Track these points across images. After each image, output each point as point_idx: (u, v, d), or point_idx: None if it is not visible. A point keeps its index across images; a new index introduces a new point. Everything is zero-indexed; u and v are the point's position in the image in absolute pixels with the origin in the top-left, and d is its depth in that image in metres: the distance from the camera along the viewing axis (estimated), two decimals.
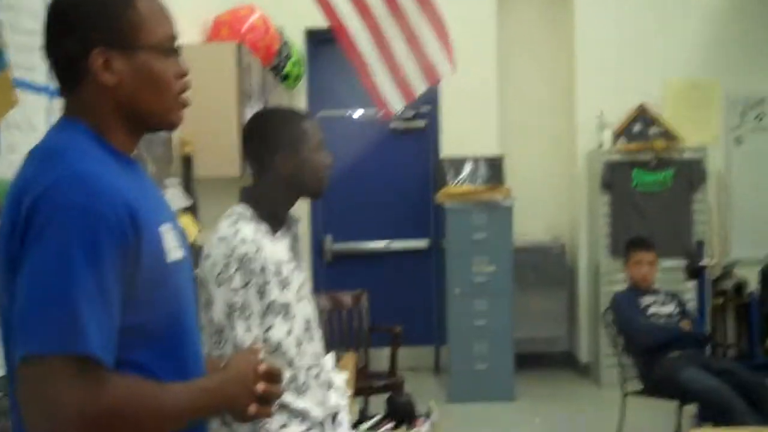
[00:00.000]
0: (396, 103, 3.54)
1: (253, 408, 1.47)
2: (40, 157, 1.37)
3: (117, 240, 1.30)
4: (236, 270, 2.13)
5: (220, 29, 4.63)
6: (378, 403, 4.96)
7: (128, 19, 1.41)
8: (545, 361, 6.76)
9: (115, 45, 1.40)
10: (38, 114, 2.31)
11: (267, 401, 1.51)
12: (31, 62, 2.28)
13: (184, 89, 1.50)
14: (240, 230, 2.19)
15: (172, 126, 1.52)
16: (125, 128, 1.45)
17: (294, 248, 2.36)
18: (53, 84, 2.37)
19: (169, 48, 1.46)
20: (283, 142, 2.30)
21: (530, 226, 6.71)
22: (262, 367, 1.50)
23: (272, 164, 2.30)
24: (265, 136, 2.33)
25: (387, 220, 6.70)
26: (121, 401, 1.28)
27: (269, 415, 1.56)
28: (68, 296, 1.24)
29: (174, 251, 1.44)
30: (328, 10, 3.38)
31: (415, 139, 6.75)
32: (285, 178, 2.29)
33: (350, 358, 4.14)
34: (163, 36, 1.45)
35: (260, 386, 1.48)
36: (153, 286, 1.38)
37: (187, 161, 3.88)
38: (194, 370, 1.49)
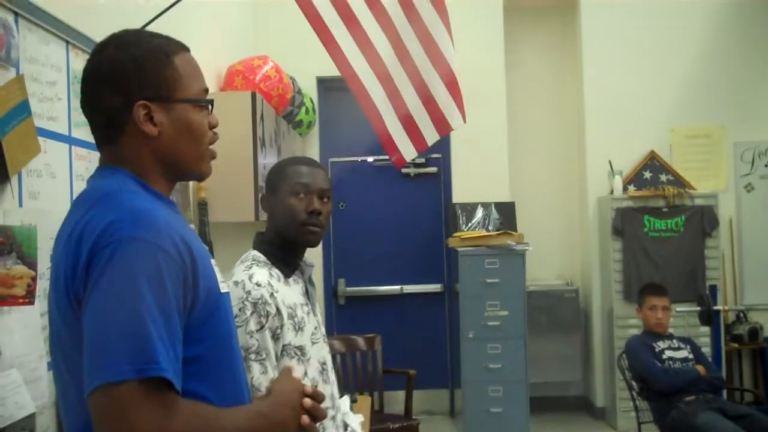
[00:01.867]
0: (408, 152, 3.57)
1: (305, 418, 1.57)
2: (94, 200, 1.43)
3: (178, 271, 1.36)
4: (251, 314, 2.16)
5: (234, 78, 4.72)
6: None
7: (167, 75, 1.50)
8: (560, 405, 6.73)
9: (155, 98, 1.49)
10: (60, 162, 2.37)
11: (313, 419, 1.60)
12: (53, 112, 2.35)
13: (214, 140, 1.60)
14: (254, 274, 2.23)
15: (202, 175, 1.60)
16: (163, 176, 1.53)
17: (308, 292, 2.40)
18: (74, 133, 2.44)
19: (202, 101, 1.56)
20: (267, 185, 2.38)
21: (542, 271, 6.75)
22: (307, 388, 1.61)
23: (263, 207, 2.38)
24: (265, 181, 2.42)
25: (400, 265, 6.73)
26: (191, 425, 1.32)
27: (316, 430, 1.63)
28: (138, 324, 1.28)
29: (222, 284, 1.53)
30: (341, 59, 3.44)
31: (427, 184, 6.81)
32: (273, 221, 2.35)
33: (365, 400, 4.14)
34: (198, 90, 1.56)
35: (307, 402, 1.59)
36: (208, 315, 1.44)
37: (202, 206, 3.94)
38: (245, 397, 1.56)
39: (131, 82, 1.47)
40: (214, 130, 1.59)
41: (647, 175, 6.56)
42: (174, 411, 1.30)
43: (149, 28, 2.76)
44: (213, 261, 1.55)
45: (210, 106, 1.57)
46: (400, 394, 5.73)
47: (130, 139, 1.49)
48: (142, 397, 1.26)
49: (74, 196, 2.36)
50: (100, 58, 1.51)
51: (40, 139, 2.17)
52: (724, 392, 5.00)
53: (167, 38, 1.57)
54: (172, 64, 1.51)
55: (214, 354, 1.46)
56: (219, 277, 1.54)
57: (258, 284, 2.20)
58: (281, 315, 2.21)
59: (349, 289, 6.73)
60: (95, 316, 1.30)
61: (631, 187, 6.49)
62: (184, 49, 1.57)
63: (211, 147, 1.59)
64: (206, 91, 1.58)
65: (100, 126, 1.52)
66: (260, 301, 2.17)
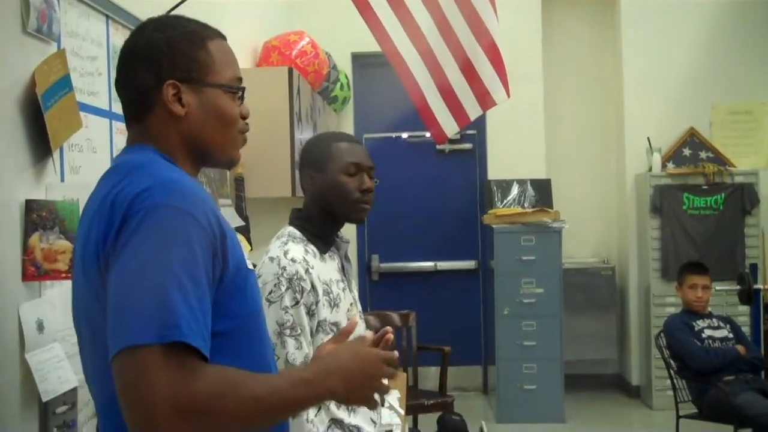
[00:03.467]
0: (449, 127, 3.52)
1: (384, 385, 1.53)
2: (126, 170, 1.43)
3: (208, 240, 1.36)
4: (286, 289, 2.16)
5: (270, 54, 4.69)
6: (427, 422, 4.97)
7: (200, 59, 1.51)
8: (595, 383, 6.70)
9: (185, 80, 1.50)
10: (100, 137, 2.37)
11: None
12: (94, 87, 2.35)
13: (245, 130, 1.59)
14: (290, 250, 2.22)
15: (231, 162, 1.60)
16: (188, 159, 1.53)
17: (344, 268, 2.39)
18: (114, 108, 2.44)
19: (235, 89, 1.55)
20: (310, 162, 2.35)
21: (578, 248, 6.70)
22: (385, 354, 1.55)
23: (304, 184, 2.36)
24: (303, 158, 2.40)
25: (434, 241, 6.71)
26: (217, 389, 1.28)
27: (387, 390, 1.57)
28: (163, 289, 1.27)
29: (249, 261, 1.52)
30: (381, 33, 3.40)
31: (461, 160, 6.77)
32: (317, 199, 2.33)
33: (401, 376, 4.14)
34: (231, 77, 1.55)
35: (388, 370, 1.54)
36: (236, 290, 1.43)
37: (239, 182, 3.94)
38: (274, 371, 1.54)
39: (163, 61, 1.48)
40: (245, 120, 1.59)
41: (686, 152, 6.46)
42: (198, 375, 1.26)
43: (185, 3, 2.75)
44: (239, 240, 1.54)
45: (241, 94, 1.57)
46: (433, 370, 5.73)
47: (158, 118, 1.50)
48: (163, 361, 1.24)
49: None
50: (137, 38, 1.53)
51: (81, 114, 2.17)
52: (762, 372, 4.93)
53: (205, 25, 1.58)
54: (206, 48, 1.52)
55: (241, 331, 1.45)
56: (246, 254, 1.53)
57: (293, 260, 2.19)
58: (316, 291, 2.20)
59: (383, 265, 6.73)
60: (120, 279, 1.29)
61: (670, 165, 6.40)
62: (220, 36, 1.58)
63: (243, 135, 1.59)
64: (240, 80, 1.57)
65: (130, 103, 1.53)
66: (295, 277, 2.17)
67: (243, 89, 1.58)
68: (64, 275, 1.96)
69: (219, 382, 1.29)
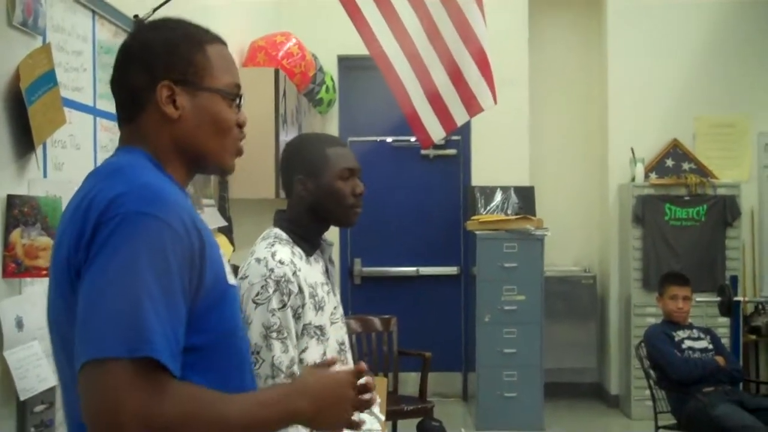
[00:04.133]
0: (436, 132, 3.52)
1: (354, 415, 1.50)
2: (104, 174, 1.39)
3: (184, 250, 1.31)
4: (274, 291, 2.14)
5: (257, 54, 4.68)
6: (406, 428, 4.96)
7: (197, 61, 1.47)
8: (574, 391, 6.71)
9: (181, 82, 1.45)
10: (84, 133, 2.35)
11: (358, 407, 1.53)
12: (79, 83, 2.32)
13: (241, 138, 1.54)
14: (277, 252, 2.20)
15: (225, 170, 1.55)
16: (180, 163, 1.49)
17: (328, 272, 2.38)
18: (99, 105, 2.41)
19: (232, 95, 1.51)
20: (303, 167, 2.32)
21: (560, 256, 6.71)
22: (361, 379, 1.52)
23: (294, 188, 2.33)
24: (290, 161, 2.37)
25: (416, 246, 6.70)
26: (185, 408, 1.25)
27: (359, 426, 1.56)
28: (134, 301, 1.23)
29: (230, 275, 1.47)
30: (369, 37, 3.39)
31: (445, 166, 6.77)
32: (307, 203, 2.31)
33: (381, 382, 4.12)
34: (228, 83, 1.50)
35: (361, 396, 1.52)
36: (213, 305, 1.38)
37: (223, 183, 3.92)
38: (251, 390, 1.49)
39: (159, 61, 1.45)
40: (243, 127, 1.54)
41: (669, 163, 6.49)
42: (166, 393, 1.23)
43: (173, 0, 2.73)
44: (221, 252, 1.49)
45: (239, 102, 1.53)
46: (413, 376, 5.72)
47: (150, 119, 1.45)
48: (132, 377, 1.20)
49: None
50: (134, 38, 1.51)
51: (66, 110, 2.15)
52: (741, 384, 4.95)
53: (206, 29, 1.54)
54: (203, 51, 1.48)
55: (215, 349, 1.40)
56: (227, 268, 1.47)
57: (281, 262, 2.17)
58: (303, 294, 2.18)
59: (365, 269, 6.71)
60: (91, 289, 1.25)
61: (653, 175, 6.42)
62: (221, 42, 1.54)
63: (239, 144, 1.54)
64: (238, 87, 1.53)
65: (123, 103, 1.49)
66: (283, 279, 2.15)
67: (241, 96, 1.53)
68: (45, 272, 1.93)
69: (188, 401, 1.26)
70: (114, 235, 1.26)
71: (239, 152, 1.55)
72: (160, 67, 1.44)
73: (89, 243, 1.28)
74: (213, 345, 1.39)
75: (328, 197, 2.29)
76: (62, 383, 1.44)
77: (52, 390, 1.98)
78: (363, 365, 1.58)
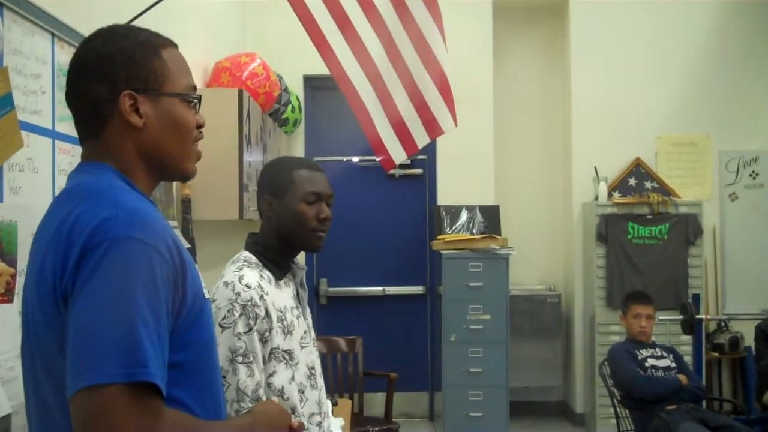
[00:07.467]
0: (397, 154, 3.54)
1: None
2: (84, 196, 1.38)
3: (169, 273, 1.33)
4: (240, 315, 2.12)
5: (221, 75, 4.66)
6: None
7: (155, 67, 1.47)
8: (540, 410, 6.73)
9: (142, 90, 1.45)
10: (42, 157, 2.31)
11: None
12: (37, 106, 2.29)
13: (198, 138, 1.56)
14: (245, 276, 2.19)
15: (186, 175, 1.56)
16: (145, 173, 1.49)
17: (299, 295, 2.37)
18: (58, 127, 2.39)
19: (190, 96, 1.53)
20: (270, 187, 2.32)
21: (525, 275, 6.75)
22: (294, 422, 1.65)
23: (262, 209, 2.33)
24: (261, 181, 2.37)
25: (382, 266, 6.70)
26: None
27: None
28: (129, 326, 1.24)
29: (205, 289, 1.50)
30: (332, 59, 3.40)
31: (411, 186, 6.78)
32: (274, 226, 2.30)
33: (346, 404, 4.10)
34: (186, 86, 1.52)
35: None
36: (193, 322, 1.41)
37: (186, 204, 3.89)
38: (222, 407, 1.53)
39: (118, 72, 1.44)
40: (201, 128, 1.56)
41: (632, 182, 6.57)
42: (160, 419, 1.25)
43: (137, 21, 2.72)
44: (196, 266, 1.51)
45: (197, 103, 1.54)
46: (379, 396, 5.71)
47: (114, 131, 1.45)
48: (130, 402, 1.21)
49: (56, 191, 2.31)
50: (87, 49, 1.48)
51: (23, 133, 2.12)
52: (704, 402, 5.00)
53: (156, 33, 1.54)
54: (160, 56, 1.49)
55: (196, 362, 1.42)
56: (203, 282, 1.50)
57: (248, 286, 2.16)
58: (270, 318, 2.17)
59: (331, 289, 6.69)
60: (84, 315, 1.25)
61: (616, 194, 6.50)
62: (172, 44, 1.55)
63: (196, 146, 1.56)
64: (194, 88, 1.55)
65: (83, 118, 1.47)
66: (249, 303, 2.14)
67: (199, 97, 1.55)
68: (1, 299, 1.90)
69: (178, 427, 1.29)
70: (105, 260, 1.26)
71: (198, 156, 1.56)
72: (120, 77, 1.44)
73: (76, 267, 1.28)
74: (192, 360, 1.41)
75: (290, 219, 2.28)
76: (39, 406, 1.41)
77: (7, 418, 1.94)
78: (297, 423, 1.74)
